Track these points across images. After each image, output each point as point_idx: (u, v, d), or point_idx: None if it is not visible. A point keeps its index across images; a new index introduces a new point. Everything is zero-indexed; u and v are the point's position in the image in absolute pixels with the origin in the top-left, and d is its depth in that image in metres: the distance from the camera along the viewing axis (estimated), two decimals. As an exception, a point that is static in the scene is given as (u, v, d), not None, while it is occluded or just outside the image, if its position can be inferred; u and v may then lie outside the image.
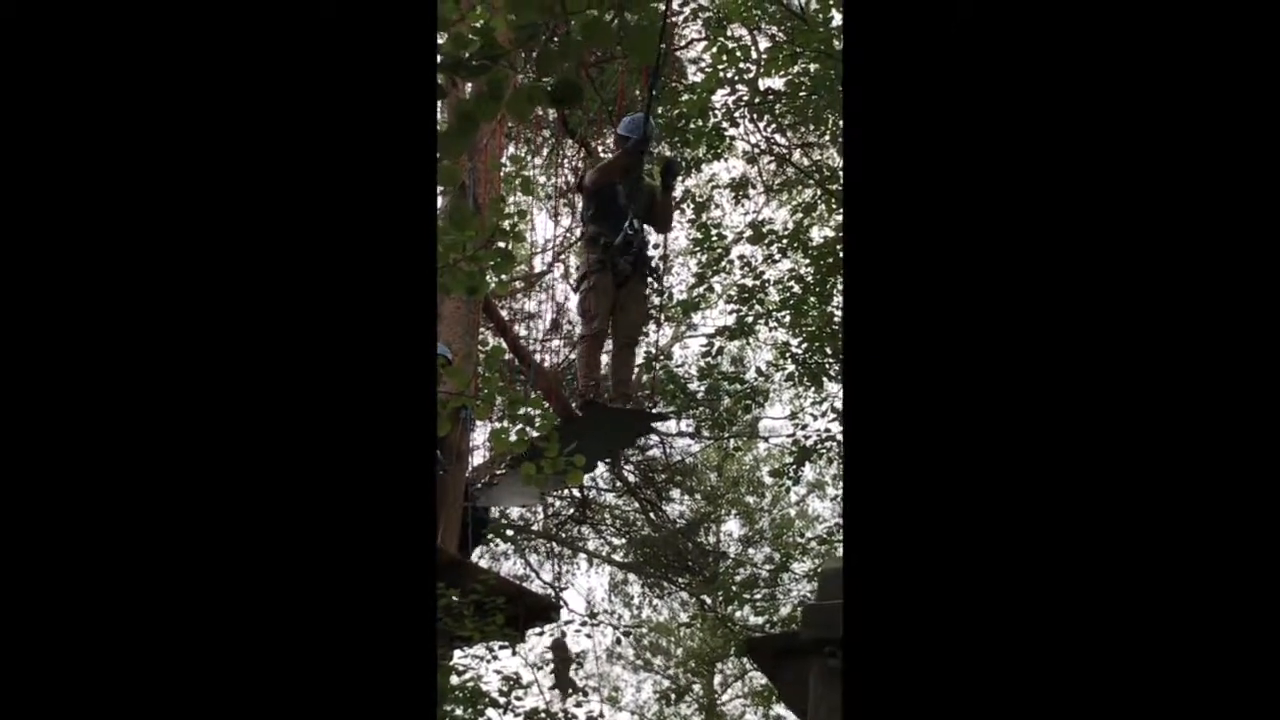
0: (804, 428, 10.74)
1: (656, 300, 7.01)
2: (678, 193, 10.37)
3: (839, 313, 9.40)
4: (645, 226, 6.35)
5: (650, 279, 6.34)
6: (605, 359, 6.47)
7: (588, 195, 6.24)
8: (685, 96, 9.07)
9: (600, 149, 8.50)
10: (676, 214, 10.57)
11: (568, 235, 9.82)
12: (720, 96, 9.09)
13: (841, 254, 8.95)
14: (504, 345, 8.51)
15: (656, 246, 9.23)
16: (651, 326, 10.97)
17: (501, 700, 7.34)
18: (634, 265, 6.01)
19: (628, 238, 5.93)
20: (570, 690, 8.51)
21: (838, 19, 7.80)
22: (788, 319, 9.91)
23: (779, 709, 13.73)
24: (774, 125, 9.74)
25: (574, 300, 6.65)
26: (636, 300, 6.17)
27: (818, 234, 10.05)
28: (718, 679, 15.70)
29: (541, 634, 8.53)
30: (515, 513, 12.67)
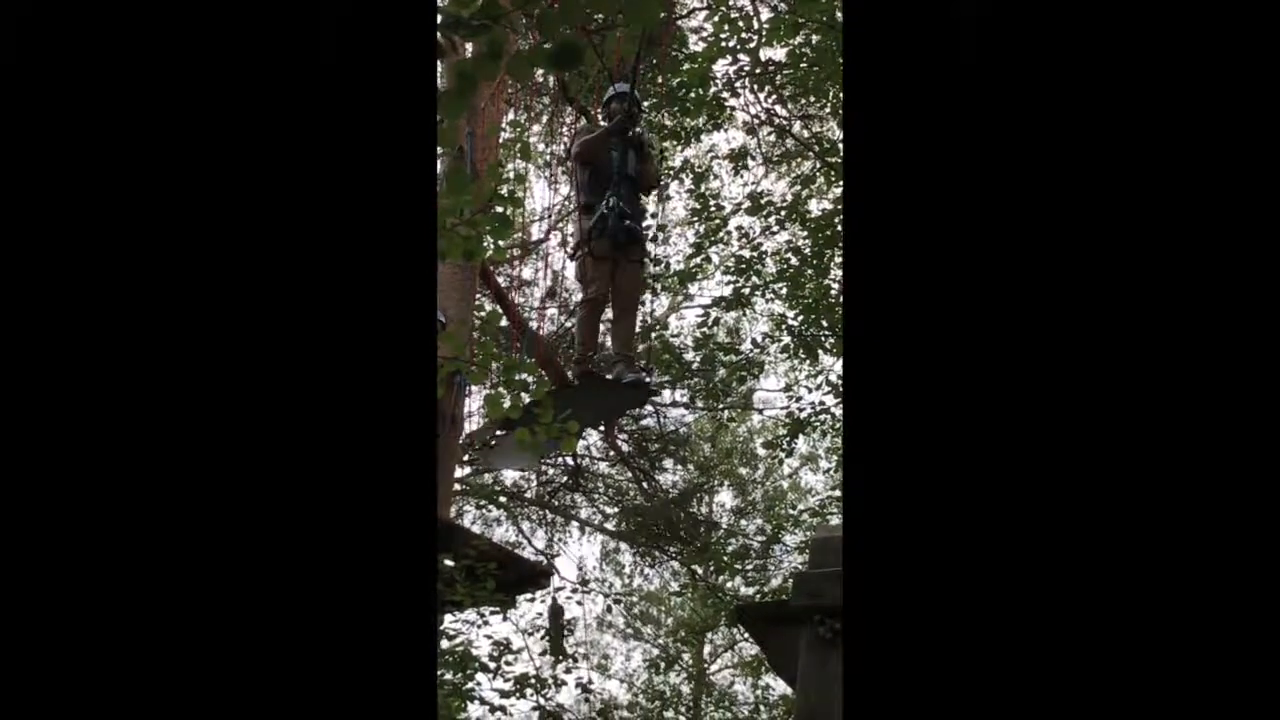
0: (798, 400, 10.77)
1: (651, 267, 7.00)
2: (676, 161, 10.35)
3: (836, 286, 9.40)
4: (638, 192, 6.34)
5: (644, 247, 6.34)
6: (605, 326, 6.49)
7: (580, 164, 6.25)
8: (686, 65, 9.03)
9: (599, 116, 8.46)
10: (675, 183, 10.55)
11: (566, 203, 9.80)
12: (721, 66, 9.06)
13: (840, 227, 8.94)
14: (500, 311, 8.50)
15: (654, 215, 9.24)
16: (648, 296, 10.97)
17: (491, 665, 7.39)
18: (629, 232, 6.03)
19: (620, 213, 5.94)
20: (562, 656, 8.56)
21: (840, -11, 7.75)
22: (784, 291, 9.91)
23: (768, 679, 13.81)
24: (774, 96, 9.70)
25: (571, 268, 6.66)
26: (633, 266, 6.18)
27: (816, 206, 10.04)
28: (707, 649, 15.78)
29: (533, 600, 8.57)
30: (509, 476, 12.70)
